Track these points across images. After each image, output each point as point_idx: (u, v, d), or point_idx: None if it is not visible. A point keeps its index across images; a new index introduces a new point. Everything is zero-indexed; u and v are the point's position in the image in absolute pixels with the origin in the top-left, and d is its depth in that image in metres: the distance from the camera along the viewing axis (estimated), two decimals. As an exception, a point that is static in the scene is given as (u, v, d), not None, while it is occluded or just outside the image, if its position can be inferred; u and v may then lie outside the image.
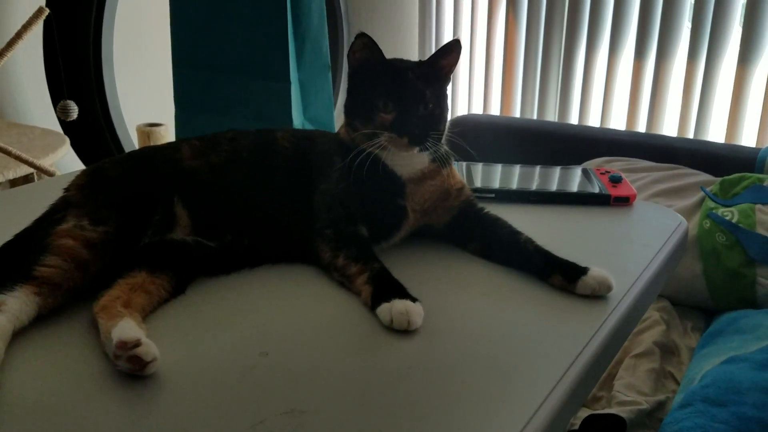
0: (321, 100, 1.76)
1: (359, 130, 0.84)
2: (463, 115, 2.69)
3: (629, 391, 1.39)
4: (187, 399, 0.60)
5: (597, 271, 0.78)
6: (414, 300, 0.72)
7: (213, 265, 0.82)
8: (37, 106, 2.73)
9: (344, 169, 0.84)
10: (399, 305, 0.70)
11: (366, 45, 0.84)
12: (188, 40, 1.85)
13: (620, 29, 2.55)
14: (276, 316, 0.74)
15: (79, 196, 0.81)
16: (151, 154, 0.90)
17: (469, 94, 3.02)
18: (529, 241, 0.84)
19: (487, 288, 0.81)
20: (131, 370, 0.61)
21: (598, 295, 0.78)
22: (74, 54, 2.51)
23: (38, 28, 2.40)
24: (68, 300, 0.72)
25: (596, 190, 1.07)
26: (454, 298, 0.78)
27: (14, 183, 2.05)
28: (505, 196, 1.03)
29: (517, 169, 1.15)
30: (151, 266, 0.75)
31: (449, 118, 0.89)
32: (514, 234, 0.86)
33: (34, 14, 1.82)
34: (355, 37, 0.84)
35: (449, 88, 0.90)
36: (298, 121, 1.72)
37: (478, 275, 0.84)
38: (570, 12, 2.63)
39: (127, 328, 0.64)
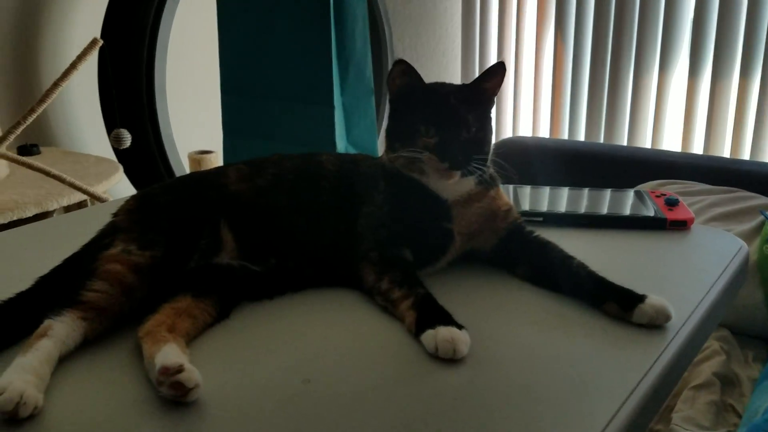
0: (364, 123, 1.76)
1: (399, 152, 0.83)
2: (509, 138, 2.66)
3: (688, 425, 1.32)
4: (228, 427, 0.59)
5: (655, 298, 0.75)
6: (460, 327, 0.70)
7: (257, 290, 0.81)
8: (91, 134, 2.81)
9: (388, 192, 0.83)
10: (444, 332, 0.68)
11: (405, 71, 0.83)
12: (236, 69, 1.90)
13: (671, 47, 2.49)
14: (318, 342, 0.73)
15: (127, 221, 0.81)
16: (198, 179, 0.91)
17: (515, 116, 2.99)
18: (582, 266, 0.81)
19: (536, 315, 0.78)
20: (174, 396, 0.60)
21: (656, 324, 0.74)
22: (128, 84, 2.58)
23: (93, 59, 2.49)
24: (114, 325, 0.72)
25: (651, 214, 1.03)
26: (502, 326, 0.76)
27: (68, 210, 2.10)
28: (555, 219, 1.00)
29: (565, 192, 1.12)
30: (196, 291, 0.75)
31: (493, 140, 0.87)
32: (566, 258, 0.83)
33: (88, 45, 1.88)
34: (393, 64, 0.83)
35: (494, 110, 0.88)
36: (341, 144, 1.73)
37: (527, 301, 0.81)
38: (616, 31, 2.59)
39: (170, 354, 0.64)
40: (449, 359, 0.67)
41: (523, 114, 2.97)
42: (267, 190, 0.87)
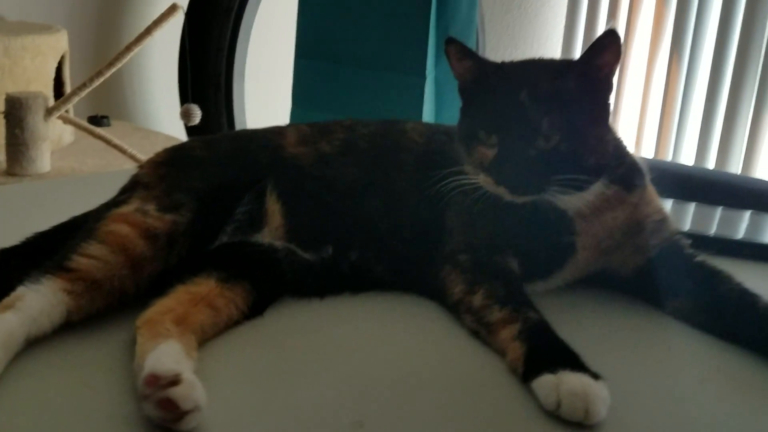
0: (459, 104, 1.53)
1: (464, 159, 0.63)
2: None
3: None
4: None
5: None
6: (595, 376, 0.47)
7: (305, 284, 0.62)
8: (167, 113, 2.77)
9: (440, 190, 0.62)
10: (572, 381, 0.46)
11: (460, 54, 0.63)
12: (315, 28, 1.69)
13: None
14: (379, 369, 0.53)
15: (151, 175, 0.65)
16: (249, 135, 0.73)
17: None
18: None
19: (701, 369, 0.54)
20: (162, 419, 0.43)
21: None
22: (208, 63, 2.52)
23: (176, 38, 2.43)
24: (111, 305, 0.56)
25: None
26: (654, 381, 0.53)
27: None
28: (708, 244, 0.75)
29: (717, 213, 0.87)
30: (224, 273, 0.58)
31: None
32: (747, 295, 0.58)
33: (166, 11, 1.76)
34: (445, 43, 0.63)
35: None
36: (430, 124, 1.53)
37: (687, 350, 0.58)
38: (738, 51, 2.29)
39: (166, 356, 0.47)
40: (576, 423, 0.45)
41: (626, 133, 2.71)
42: (333, 158, 0.67)
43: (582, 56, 0.60)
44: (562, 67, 0.62)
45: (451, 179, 0.61)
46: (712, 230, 0.81)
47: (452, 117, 1.60)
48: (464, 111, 0.65)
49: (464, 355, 0.55)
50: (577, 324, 0.58)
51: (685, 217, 0.86)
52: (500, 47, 3.17)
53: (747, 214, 0.86)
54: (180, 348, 0.48)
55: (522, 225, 0.61)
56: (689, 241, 0.66)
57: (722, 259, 0.65)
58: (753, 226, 0.84)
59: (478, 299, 0.57)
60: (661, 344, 0.58)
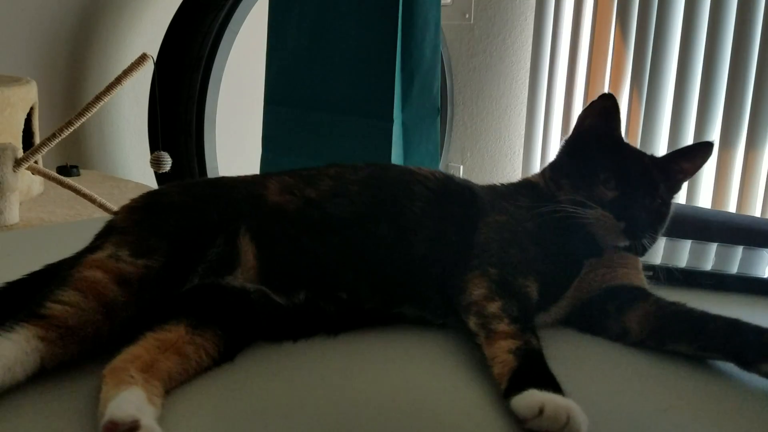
0: (426, 147, 1.54)
1: (565, 192, 0.70)
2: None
3: None
4: None
5: None
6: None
7: (278, 327, 0.62)
8: (137, 162, 2.75)
9: (534, 210, 0.68)
10: (557, 399, 0.49)
11: (608, 111, 0.72)
12: (284, 75, 1.71)
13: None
14: (361, 420, 0.52)
15: (126, 221, 0.65)
16: (228, 182, 0.71)
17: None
18: (711, 316, 0.62)
19: (666, 399, 0.55)
20: None
21: None
22: (178, 112, 2.52)
23: (146, 87, 2.43)
24: (84, 353, 0.54)
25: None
26: (618, 411, 0.54)
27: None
28: (671, 275, 0.78)
29: (686, 246, 0.91)
30: (194, 318, 0.57)
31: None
32: (690, 309, 0.64)
33: (136, 60, 1.77)
34: (599, 97, 0.72)
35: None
36: (398, 168, 1.54)
37: (651, 380, 0.59)
38: (699, 96, 2.39)
39: (126, 403, 0.46)
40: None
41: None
42: (323, 201, 0.67)
43: (675, 154, 0.72)
44: (665, 157, 0.73)
45: (556, 207, 0.67)
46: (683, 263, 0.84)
47: (419, 160, 1.62)
48: (575, 154, 0.73)
49: (444, 394, 0.55)
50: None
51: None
52: (467, 89, 3.25)
53: (712, 246, 0.90)
54: (143, 395, 0.48)
55: (555, 251, 0.67)
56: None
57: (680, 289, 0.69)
58: (718, 257, 0.88)
59: (492, 307, 0.59)
60: (626, 375, 0.60)
